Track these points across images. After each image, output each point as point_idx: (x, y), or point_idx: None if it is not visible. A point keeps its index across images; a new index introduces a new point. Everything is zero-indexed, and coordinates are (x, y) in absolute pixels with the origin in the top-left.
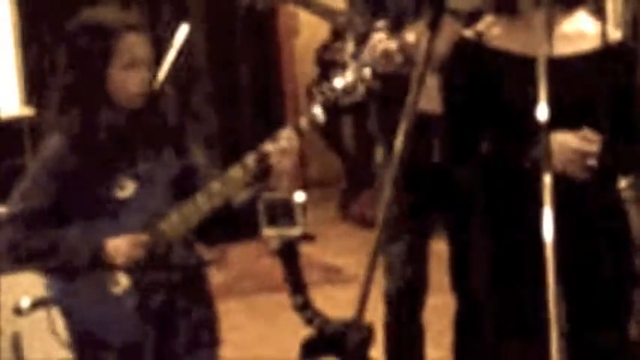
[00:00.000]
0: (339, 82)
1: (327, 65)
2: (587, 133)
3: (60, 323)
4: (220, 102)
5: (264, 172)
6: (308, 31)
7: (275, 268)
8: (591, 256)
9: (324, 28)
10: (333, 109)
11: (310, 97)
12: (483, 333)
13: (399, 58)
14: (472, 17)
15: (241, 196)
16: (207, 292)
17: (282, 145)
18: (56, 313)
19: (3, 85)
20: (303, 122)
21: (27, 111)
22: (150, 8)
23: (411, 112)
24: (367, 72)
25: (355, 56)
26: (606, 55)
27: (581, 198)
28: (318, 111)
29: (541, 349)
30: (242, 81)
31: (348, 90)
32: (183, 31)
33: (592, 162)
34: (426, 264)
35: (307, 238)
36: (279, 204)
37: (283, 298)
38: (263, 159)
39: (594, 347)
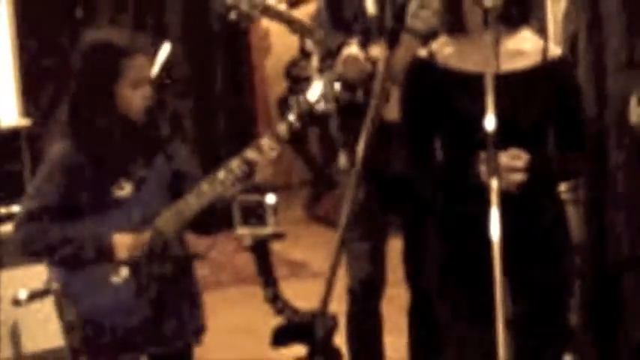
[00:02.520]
0: (312, 94)
1: (296, 80)
2: (514, 151)
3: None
4: (198, 115)
5: (247, 173)
6: (278, 50)
7: (248, 263)
8: (534, 252)
9: (294, 47)
10: (307, 117)
11: (281, 110)
12: (437, 320)
13: (367, 66)
14: (430, 37)
15: (231, 191)
16: (194, 282)
17: (265, 151)
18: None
19: (1, 97)
20: (282, 130)
21: (24, 121)
22: (133, 28)
23: (373, 121)
24: (337, 85)
25: (320, 70)
26: (547, 70)
27: (524, 201)
28: (294, 119)
29: (491, 335)
30: (218, 96)
31: (319, 101)
32: (165, 49)
33: (519, 177)
34: (385, 261)
35: (277, 236)
36: (252, 205)
37: (256, 290)
38: (247, 164)
39: (538, 335)
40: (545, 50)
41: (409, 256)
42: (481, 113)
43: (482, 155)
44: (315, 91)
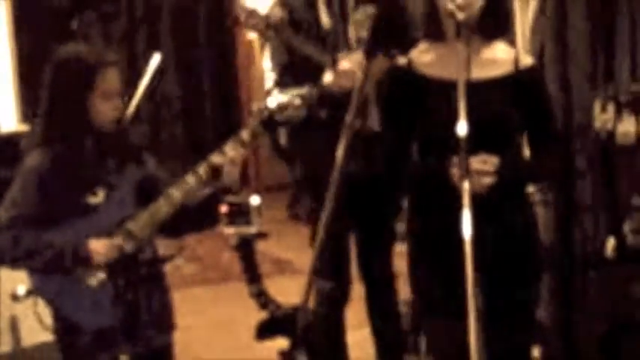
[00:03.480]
0: (272, 101)
1: None
2: (484, 155)
3: (46, 311)
4: (187, 126)
5: (214, 176)
6: (263, 64)
7: (235, 261)
8: (505, 250)
9: None
10: (269, 123)
11: None
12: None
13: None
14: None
15: (200, 194)
16: (164, 284)
17: (230, 156)
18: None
19: (1, 104)
20: (245, 135)
21: (24, 127)
22: (127, 39)
23: (351, 130)
24: (297, 98)
25: (279, 84)
26: (518, 78)
27: (495, 202)
28: (256, 125)
29: (464, 328)
30: (207, 104)
31: (281, 108)
32: (155, 59)
33: (488, 180)
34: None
35: (261, 235)
36: (238, 207)
37: (242, 287)
38: (212, 167)
39: (508, 328)
40: (517, 60)
41: (363, 251)
42: (455, 119)
43: (455, 159)
44: (275, 100)
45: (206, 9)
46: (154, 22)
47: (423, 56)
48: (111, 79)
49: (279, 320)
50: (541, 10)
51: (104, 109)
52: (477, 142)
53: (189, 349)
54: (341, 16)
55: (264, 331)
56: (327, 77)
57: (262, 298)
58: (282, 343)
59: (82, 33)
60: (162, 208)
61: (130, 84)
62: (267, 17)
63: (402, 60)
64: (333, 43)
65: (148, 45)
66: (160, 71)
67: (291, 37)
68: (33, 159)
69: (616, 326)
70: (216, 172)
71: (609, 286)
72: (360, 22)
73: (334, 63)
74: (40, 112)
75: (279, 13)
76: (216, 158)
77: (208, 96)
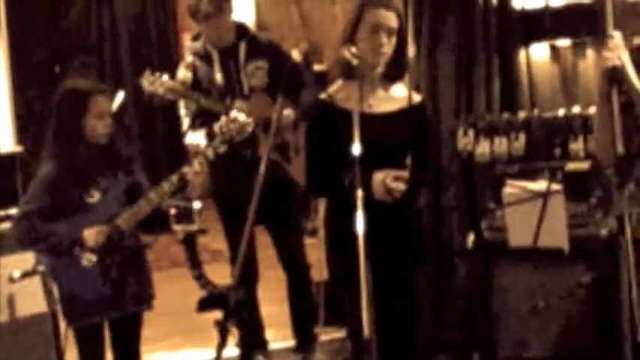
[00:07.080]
0: (190, 139)
1: None
2: (398, 173)
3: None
4: (143, 143)
5: (183, 186)
6: None
7: (181, 252)
8: (397, 242)
9: None
10: (229, 143)
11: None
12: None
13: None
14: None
15: (170, 202)
16: (146, 264)
17: (194, 167)
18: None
19: (1, 129)
20: (209, 152)
21: (18, 149)
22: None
23: (269, 154)
24: (247, 120)
25: (192, 126)
26: (411, 111)
27: (394, 204)
28: (219, 144)
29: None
30: (159, 135)
31: (238, 131)
32: (120, 96)
33: (397, 195)
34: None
35: (201, 231)
36: (184, 209)
37: (186, 272)
38: (182, 177)
39: (396, 305)
40: (410, 97)
41: (282, 246)
42: (363, 142)
43: (378, 174)
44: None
45: (158, 56)
46: (118, 67)
47: (340, 92)
48: (101, 102)
49: (215, 297)
50: (417, 55)
51: (98, 127)
52: (380, 159)
53: (148, 319)
54: (235, 70)
55: (204, 305)
56: (222, 121)
57: (202, 280)
58: (217, 314)
59: (63, 75)
60: (143, 207)
61: None
62: (167, 82)
63: (323, 95)
64: (230, 94)
65: (114, 84)
66: (123, 105)
67: (191, 94)
68: (44, 168)
69: (475, 302)
70: (184, 179)
71: (470, 271)
72: (251, 73)
73: (227, 110)
74: (49, 132)
75: (184, 75)
76: (185, 169)
77: (161, 127)
